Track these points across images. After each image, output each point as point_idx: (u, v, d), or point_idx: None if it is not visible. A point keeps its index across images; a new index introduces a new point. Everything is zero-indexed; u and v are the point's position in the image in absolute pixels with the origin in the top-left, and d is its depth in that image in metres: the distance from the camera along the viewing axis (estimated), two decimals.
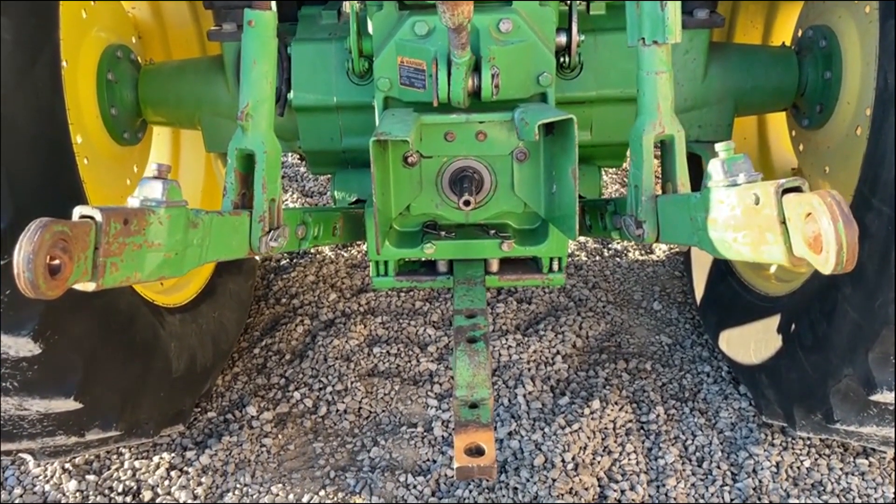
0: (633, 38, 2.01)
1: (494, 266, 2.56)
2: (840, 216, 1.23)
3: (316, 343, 3.51)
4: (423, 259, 2.57)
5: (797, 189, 1.38)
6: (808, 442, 2.88)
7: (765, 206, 1.42)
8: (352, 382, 3.25)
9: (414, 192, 2.35)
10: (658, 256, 4.22)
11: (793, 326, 2.53)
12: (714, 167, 1.63)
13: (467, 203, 2.18)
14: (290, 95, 2.64)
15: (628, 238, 2.11)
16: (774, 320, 2.69)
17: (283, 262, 4.20)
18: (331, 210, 2.54)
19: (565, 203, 2.15)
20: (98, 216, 1.39)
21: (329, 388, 3.24)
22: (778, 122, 3.19)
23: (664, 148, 2.05)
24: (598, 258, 4.22)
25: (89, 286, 1.40)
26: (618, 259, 4.20)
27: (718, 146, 1.63)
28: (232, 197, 2.06)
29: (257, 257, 3.55)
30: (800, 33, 2.83)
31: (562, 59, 2.47)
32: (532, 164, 2.31)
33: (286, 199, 4.91)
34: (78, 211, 1.41)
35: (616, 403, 3.07)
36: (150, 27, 3.42)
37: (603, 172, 2.99)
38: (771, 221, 1.40)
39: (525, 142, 2.26)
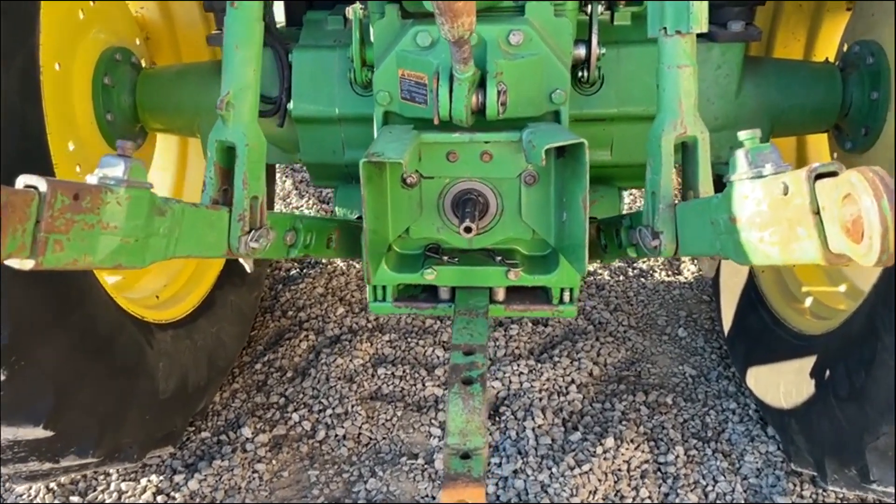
0: (654, 29, 1.82)
1: (500, 294, 2.37)
2: (885, 192, 1.01)
3: (319, 361, 3.36)
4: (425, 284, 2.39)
5: (832, 175, 1.16)
6: (841, 496, 2.64)
7: (795, 196, 1.21)
8: (353, 406, 3.09)
9: (413, 215, 2.18)
10: (686, 278, 3.99)
11: (827, 372, 2.31)
12: (738, 158, 1.41)
13: (468, 230, 1.99)
14: (290, 105, 2.49)
15: (644, 253, 1.91)
16: (807, 362, 2.47)
17: (293, 272, 4.06)
18: (326, 220, 2.36)
19: (574, 234, 1.95)
20: (42, 186, 1.24)
21: (329, 411, 3.09)
22: (818, 144, 2.95)
23: (685, 151, 1.85)
24: (621, 278, 4.00)
25: (27, 263, 1.24)
26: (642, 279, 3.98)
27: (742, 134, 1.42)
28: (211, 193, 1.90)
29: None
30: (845, 48, 2.59)
31: (580, 73, 2.28)
32: (542, 188, 2.12)
33: (301, 206, 4.78)
34: (22, 180, 1.26)
35: (632, 441, 2.86)
36: (158, 28, 3.30)
37: (625, 193, 2.79)
38: (802, 212, 1.19)
39: (533, 165, 2.08)
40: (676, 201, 1.80)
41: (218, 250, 1.85)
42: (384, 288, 2.37)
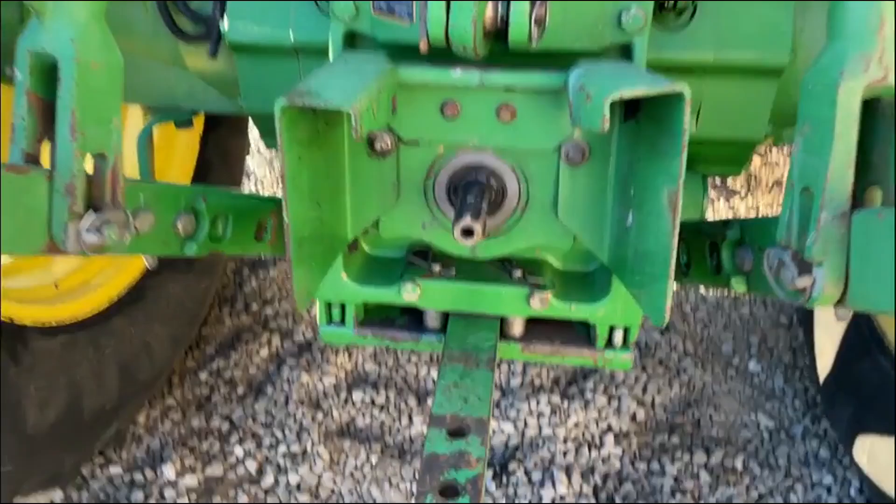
0: None
1: (517, 328, 1.57)
2: None
3: (281, 374, 2.60)
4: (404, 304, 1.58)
5: None
6: None
7: None
8: (314, 444, 2.33)
9: (385, 201, 1.38)
10: None
11: None
12: None
13: (468, 232, 1.18)
14: (225, 26, 1.68)
15: (772, 292, 1.09)
16: None
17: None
18: (255, 198, 1.57)
19: (650, 253, 1.14)
20: None
21: (283, 448, 2.33)
22: None
23: (874, 115, 1.00)
24: (675, 286, 3.17)
25: None
26: (702, 291, 3.15)
27: None
28: (22, 144, 1.10)
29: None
30: None
31: None
32: (594, 170, 1.30)
33: None
34: None
35: None
36: None
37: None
38: None
39: (584, 130, 1.26)
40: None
41: (31, 243, 1.07)
42: (342, 306, 1.58)
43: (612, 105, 0.99)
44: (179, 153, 2.68)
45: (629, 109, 1.22)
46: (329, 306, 1.58)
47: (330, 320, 1.59)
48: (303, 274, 1.17)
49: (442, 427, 1.25)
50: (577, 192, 1.31)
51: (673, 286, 1.07)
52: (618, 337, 1.52)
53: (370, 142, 1.32)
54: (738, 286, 1.23)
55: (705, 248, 1.33)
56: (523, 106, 1.25)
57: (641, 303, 1.17)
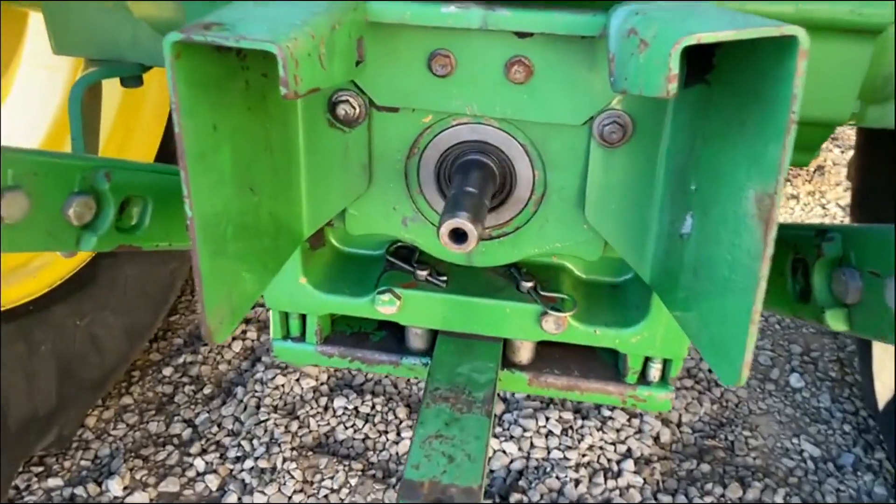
0: None
1: (524, 353, 1.23)
2: None
3: (253, 374, 2.28)
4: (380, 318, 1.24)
5: None
6: None
7: None
8: (285, 459, 2.01)
9: (353, 186, 1.03)
10: None
11: None
12: None
13: (459, 236, 0.83)
14: None
15: (882, 336, 0.76)
16: None
17: None
18: None
19: (721, 278, 0.79)
20: None
21: (249, 462, 2.01)
22: None
23: None
24: None
25: None
26: None
27: None
28: None
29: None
30: None
31: None
32: (638, 152, 0.95)
33: None
34: None
35: None
36: None
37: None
38: None
39: (629, 97, 0.91)
40: None
41: None
42: (303, 318, 1.24)
43: (682, 56, 0.64)
44: (146, 118, 2.34)
45: (692, 69, 0.86)
46: (286, 317, 1.24)
47: (287, 335, 1.25)
48: (220, 286, 0.82)
49: (416, 500, 0.91)
50: (613, 182, 0.96)
51: (756, 331, 0.72)
52: (654, 371, 1.18)
53: (332, 106, 0.97)
54: (836, 323, 0.88)
55: (786, 263, 0.97)
56: (543, 60, 0.89)
57: (701, 346, 0.82)
